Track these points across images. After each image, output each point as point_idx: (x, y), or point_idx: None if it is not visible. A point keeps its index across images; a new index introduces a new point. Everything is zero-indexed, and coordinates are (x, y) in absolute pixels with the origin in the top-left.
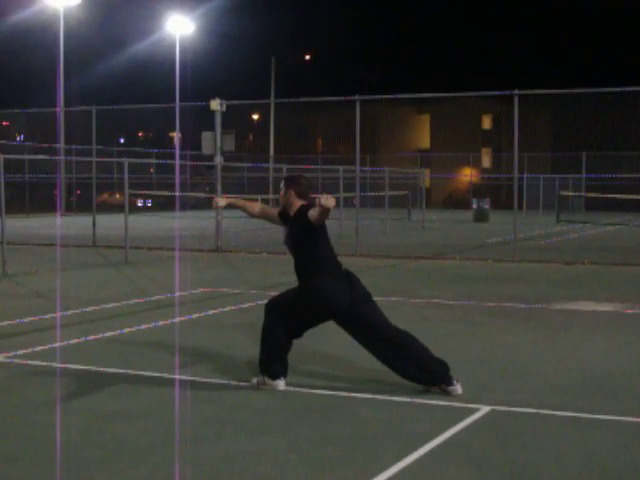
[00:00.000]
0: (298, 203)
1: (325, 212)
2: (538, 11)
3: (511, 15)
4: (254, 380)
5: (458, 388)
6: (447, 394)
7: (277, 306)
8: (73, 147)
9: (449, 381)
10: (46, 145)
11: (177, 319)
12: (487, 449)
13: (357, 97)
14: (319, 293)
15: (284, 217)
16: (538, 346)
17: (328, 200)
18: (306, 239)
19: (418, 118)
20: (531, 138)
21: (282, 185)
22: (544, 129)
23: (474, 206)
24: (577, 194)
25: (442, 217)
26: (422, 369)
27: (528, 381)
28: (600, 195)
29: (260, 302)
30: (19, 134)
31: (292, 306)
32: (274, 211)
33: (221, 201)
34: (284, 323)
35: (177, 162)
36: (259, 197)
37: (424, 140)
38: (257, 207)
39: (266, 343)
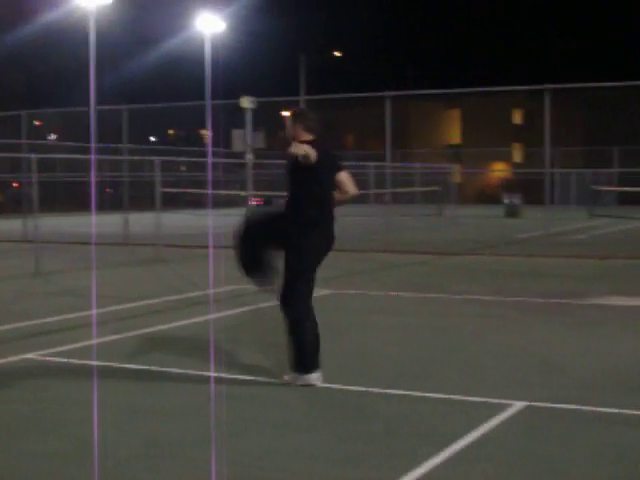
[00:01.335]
0: (305, 138)
1: (302, 158)
2: (570, 3)
3: (542, 8)
4: (286, 377)
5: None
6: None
7: (290, 293)
8: (105, 146)
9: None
10: (78, 144)
11: (209, 316)
12: (521, 446)
13: (387, 93)
14: (310, 235)
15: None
16: (572, 341)
17: (295, 148)
18: (300, 177)
19: (449, 113)
20: (563, 132)
21: (289, 119)
22: (576, 123)
23: (505, 201)
24: (610, 188)
25: (473, 213)
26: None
27: (562, 377)
28: (633, 189)
29: None
30: (51, 133)
31: (299, 272)
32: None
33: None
34: (305, 306)
35: (209, 160)
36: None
37: (455, 135)
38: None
39: (295, 337)
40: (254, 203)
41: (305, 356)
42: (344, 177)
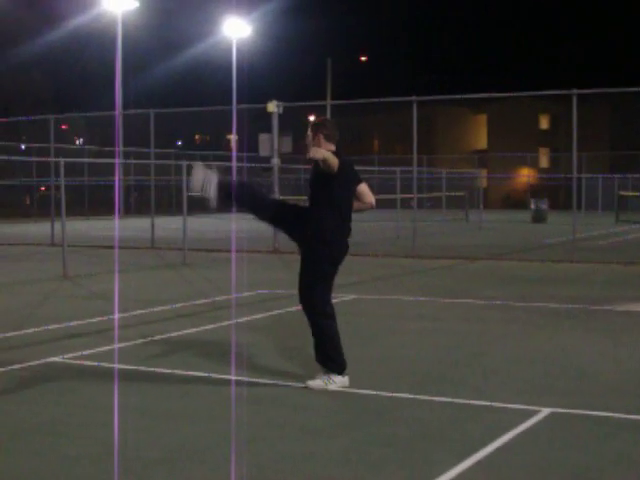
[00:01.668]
0: (327, 148)
1: (322, 162)
2: (596, 8)
3: (569, 13)
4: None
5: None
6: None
7: (311, 299)
8: (131, 150)
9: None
10: (105, 148)
11: (235, 320)
12: (547, 452)
13: (414, 98)
14: (325, 246)
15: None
16: (598, 348)
17: (315, 153)
18: (321, 186)
19: (475, 118)
20: (589, 137)
21: (310, 130)
22: (602, 128)
23: (532, 206)
24: (637, 194)
25: (500, 218)
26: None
27: (588, 383)
28: None
29: None
30: (78, 137)
31: (317, 279)
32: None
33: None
34: (327, 309)
35: (234, 164)
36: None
37: (481, 140)
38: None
39: (323, 340)
40: None
41: (335, 358)
42: (364, 188)
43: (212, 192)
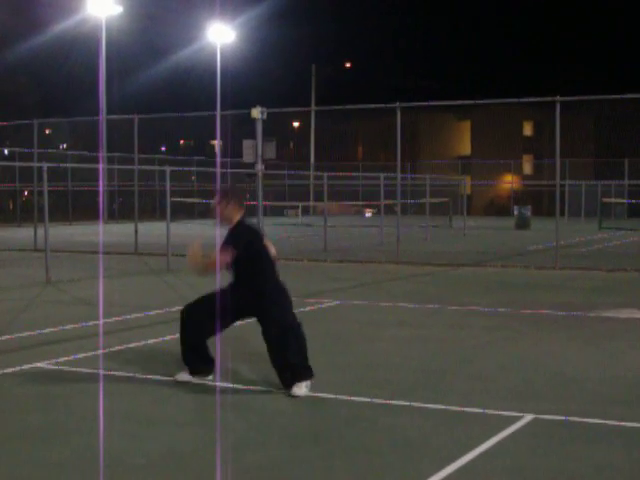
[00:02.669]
0: (238, 214)
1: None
2: (581, 15)
3: (553, 19)
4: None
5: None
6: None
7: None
8: (115, 155)
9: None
10: (88, 153)
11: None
12: (530, 458)
13: (398, 104)
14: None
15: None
16: (581, 354)
17: (190, 268)
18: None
19: (459, 125)
20: (573, 144)
21: (218, 198)
22: (586, 135)
23: (515, 213)
24: (620, 201)
25: (483, 224)
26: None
27: (571, 390)
28: None
29: (302, 309)
30: (62, 142)
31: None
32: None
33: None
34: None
35: (217, 170)
36: (299, 204)
37: (465, 147)
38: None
39: (303, 347)
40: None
41: (306, 365)
42: (269, 243)
43: None
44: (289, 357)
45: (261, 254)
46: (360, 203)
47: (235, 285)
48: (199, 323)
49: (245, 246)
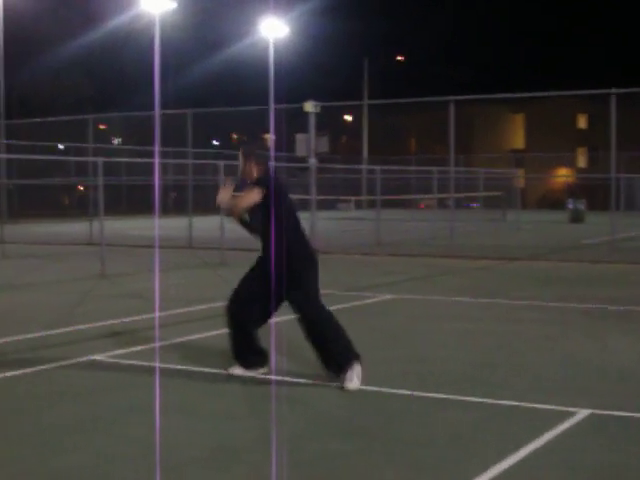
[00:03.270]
0: (258, 171)
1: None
2: (635, 7)
3: (607, 11)
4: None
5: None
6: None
7: (317, 297)
8: (169, 149)
9: None
10: (143, 148)
11: (273, 320)
12: (585, 453)
13: (451, 97)
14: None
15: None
16: (637, 349)
17: (221, 202)
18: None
19: (512, 118)
20: (628, 137)
21: (240, 156)
22: None
23: (570, 206)
24: None
25: (537, 218)
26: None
27: (627, 384)
28: None
29: (354, 303)
30: (116, 137)
31: (314, 283)
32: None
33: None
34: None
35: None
36: (352, 198)
37: (518, 140)
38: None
39: (337, 336)
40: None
41: (350, 349)
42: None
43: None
44: (329, 346)
45: (292, 206)
46: (413, 197)
47: (265, 256)
48: (244, 314)
49: (277, 190)
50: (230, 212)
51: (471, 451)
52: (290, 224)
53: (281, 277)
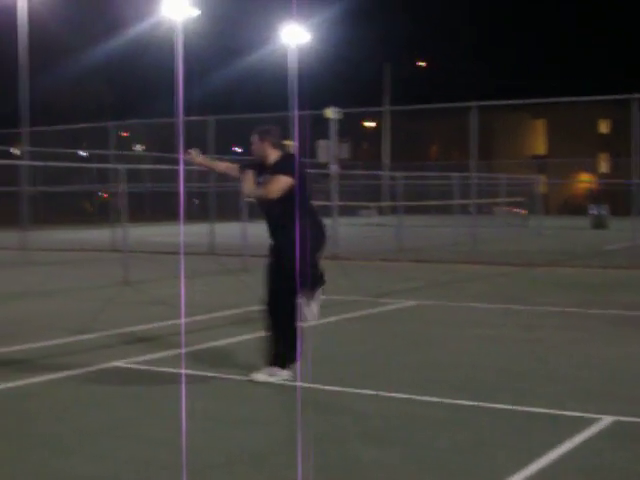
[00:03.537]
0: (274, 153)
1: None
2: None
3: (630, 16)
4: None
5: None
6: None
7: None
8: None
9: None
10: (165, 154)
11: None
12: (609, 461)
13: (473, 103)
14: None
15: (256, 168)
16: None
17: (248, 191)
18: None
19: (534, 123)
20: None
21: (255, 137)
22: None
23: (592, 212)
24: None
25: (559, 223)
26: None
27: None
28: None
29: (377, 309)
30: (138, 144)
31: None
32: (236, 167)
33: (196, 158)
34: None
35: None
36: (372, 205)
37: (540, 146)
38: (222, 165)
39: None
40: (516, 210)
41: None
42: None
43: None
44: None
45: (311, 190)
46: (434, 203)
47: (283, 241)
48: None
49: (301, 173)
50: (261, 200)
51: (495, 457)
52: (309, 207)
53: (305, 260)
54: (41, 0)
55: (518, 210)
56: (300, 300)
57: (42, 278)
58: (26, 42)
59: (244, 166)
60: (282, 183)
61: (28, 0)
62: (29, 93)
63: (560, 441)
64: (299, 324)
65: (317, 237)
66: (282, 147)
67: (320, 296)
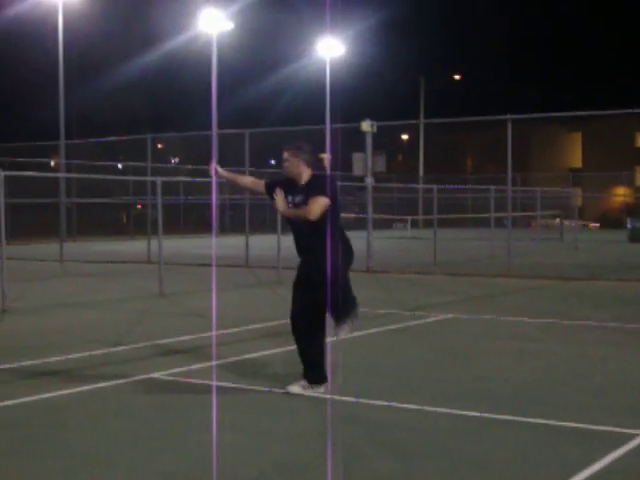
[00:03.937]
0: (307, 172)
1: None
2: None
3: None
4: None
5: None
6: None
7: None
8: (226, 169)
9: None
10: (200, 167)
11: (330, 339)
12: None
13: (509, 116)
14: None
15: (283, 185)
16: None
17: (284, 211)
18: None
19: (569, 137)
20: None
21: (288, 154)
22: None
23: (629, 226)
24: None
25: (595, 237)
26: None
27: None
28: None
29: (412, 323)
30: (174, 156)
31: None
32: (261, 183)
33: (220, 170)
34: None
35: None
36: (409, 218)
37: (576, 159)
38: (248, 180)
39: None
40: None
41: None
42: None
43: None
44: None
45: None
46: (469, 215)
47: (313, 258)
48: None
49: (334, 192)
50: (300, 219)
51: (530, 473)
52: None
53: (336, 277)
54: (79, 16)
55: (594, 225)
56: (330, 318)
57: (79, 289)
58: (61, 57)
59: (270, 183)
60: (322, 205)
61: (67, 16)
62: (67, 106)
63: (596, 457)
64: (326, 340)
65: (347, 253)
66: (316, 162)
67: (353, 321)
